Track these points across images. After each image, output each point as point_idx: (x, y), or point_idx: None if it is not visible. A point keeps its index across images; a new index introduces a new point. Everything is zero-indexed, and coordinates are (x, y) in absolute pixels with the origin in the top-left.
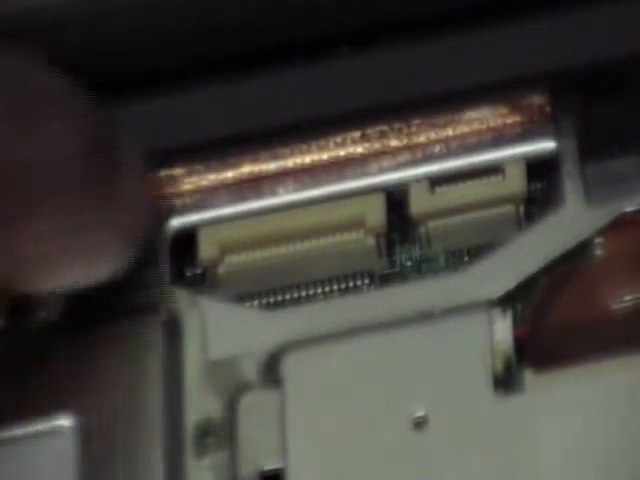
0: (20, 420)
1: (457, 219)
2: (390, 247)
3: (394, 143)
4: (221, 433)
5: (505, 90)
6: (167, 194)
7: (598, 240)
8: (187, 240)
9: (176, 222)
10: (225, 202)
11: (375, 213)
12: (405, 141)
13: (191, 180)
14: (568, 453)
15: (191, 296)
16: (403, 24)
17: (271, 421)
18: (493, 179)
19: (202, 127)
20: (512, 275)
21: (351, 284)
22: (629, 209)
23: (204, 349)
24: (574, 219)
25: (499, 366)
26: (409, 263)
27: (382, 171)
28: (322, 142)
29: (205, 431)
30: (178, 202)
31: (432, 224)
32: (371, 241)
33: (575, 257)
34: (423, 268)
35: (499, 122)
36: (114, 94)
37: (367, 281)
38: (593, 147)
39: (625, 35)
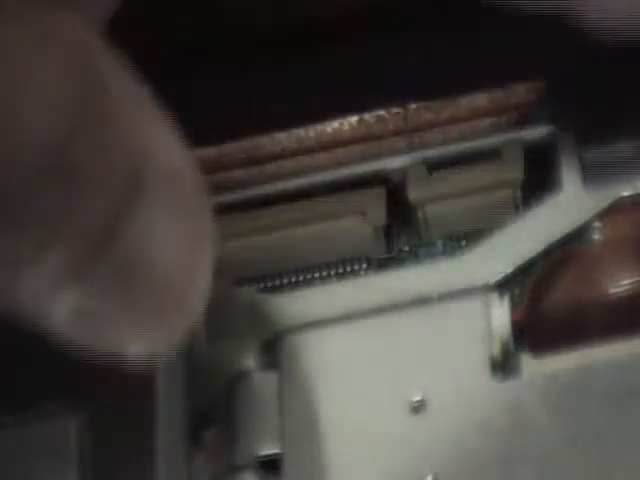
0: (17, 409)
1: (454, 204)
2: (388, 232)
3: (391, 128)
4: (219, 417)
5: (503, 74)
6: None
7: (596, 224)
8: None
9: None
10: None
11: (376, 208)
12: (402, 126)
13: None
14: (565, 437)
15: None
16: (402, 10)
17: (269, 406)
18: (490, 164)
19: (201, 113)
20: (510, 260)
21: (349, 269)
22: (626, 193)
23: (202, 333)
24: (571, 204)
25: (497, 351)
26: (407, 248)
27: (379, 156)
28: (319, 127)
29: (203, 415)
30: None
31: (430, 209)
32: (369, 226)
33: (573, 241)
34: (421, 253)
35: (496, 107)
36: None
37: (365, 266)
38: (590, 132)
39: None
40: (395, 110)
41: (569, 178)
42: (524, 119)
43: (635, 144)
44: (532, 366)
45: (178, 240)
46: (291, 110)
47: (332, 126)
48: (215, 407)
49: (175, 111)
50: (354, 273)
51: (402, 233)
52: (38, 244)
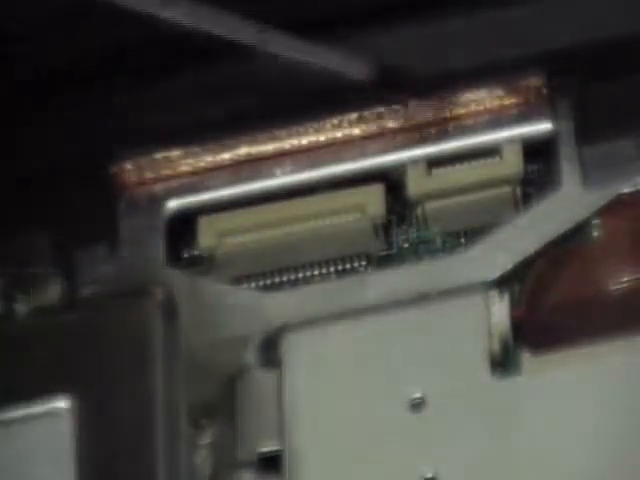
0: (18, 402)
1: (454, 201)
2: (387, 229)
3: (391, 125)
4: (219, 415)
5: (502, 72)
6: (164, 176)
7: (595, 222)
8: (184, 222)
9: (173, 204)
10: (222, 184)
11: (375, 204)
12: (402, 123)
13: (188, 162)
14: (564, 434)
15: (188, 278)
16: (401, 5)
17: (269, 403)
18: (490, 161)
19: (199, 108)
20: (509, 257)
21: (348, 266)
22: (626, 190)
23: (202, 331)
24: (571, 201)
25: (496, 348)
26: (406, 245)
27: (379, 153)
28: (319, 124)
29: (203, 412)
30: (175, 184)
31: (429, 206)
32: (368, 223)
33: (572, 238)
34: (420, 250)
35: (496, 104)
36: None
37: (364, 263)
38: (590, 129)
39: (623, 17)
40: (395, 107)
41: (569, 175)
42: (524, 116)
43: (635, 142)
44: (532, 363)
45: None
46: (289, 107)
47: (332, 123)
48: (216, 403)
49: None
50: (353, 270)
51: (401, 230)
52: None
